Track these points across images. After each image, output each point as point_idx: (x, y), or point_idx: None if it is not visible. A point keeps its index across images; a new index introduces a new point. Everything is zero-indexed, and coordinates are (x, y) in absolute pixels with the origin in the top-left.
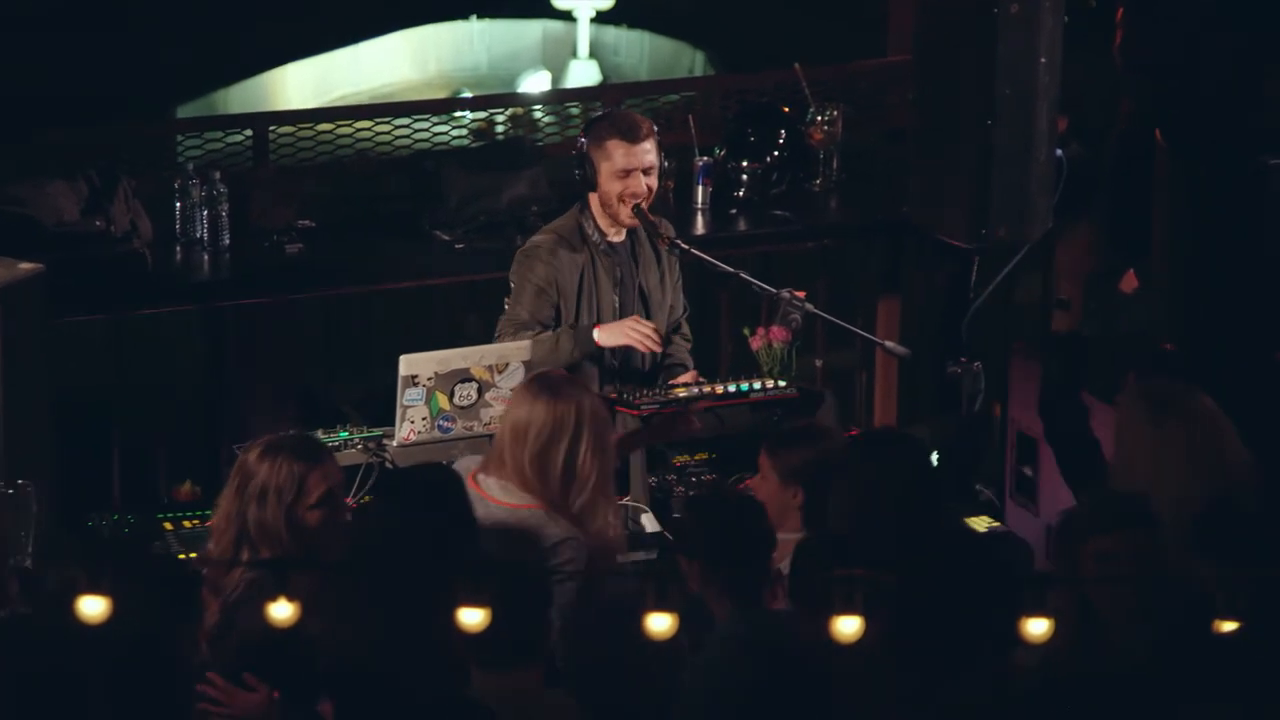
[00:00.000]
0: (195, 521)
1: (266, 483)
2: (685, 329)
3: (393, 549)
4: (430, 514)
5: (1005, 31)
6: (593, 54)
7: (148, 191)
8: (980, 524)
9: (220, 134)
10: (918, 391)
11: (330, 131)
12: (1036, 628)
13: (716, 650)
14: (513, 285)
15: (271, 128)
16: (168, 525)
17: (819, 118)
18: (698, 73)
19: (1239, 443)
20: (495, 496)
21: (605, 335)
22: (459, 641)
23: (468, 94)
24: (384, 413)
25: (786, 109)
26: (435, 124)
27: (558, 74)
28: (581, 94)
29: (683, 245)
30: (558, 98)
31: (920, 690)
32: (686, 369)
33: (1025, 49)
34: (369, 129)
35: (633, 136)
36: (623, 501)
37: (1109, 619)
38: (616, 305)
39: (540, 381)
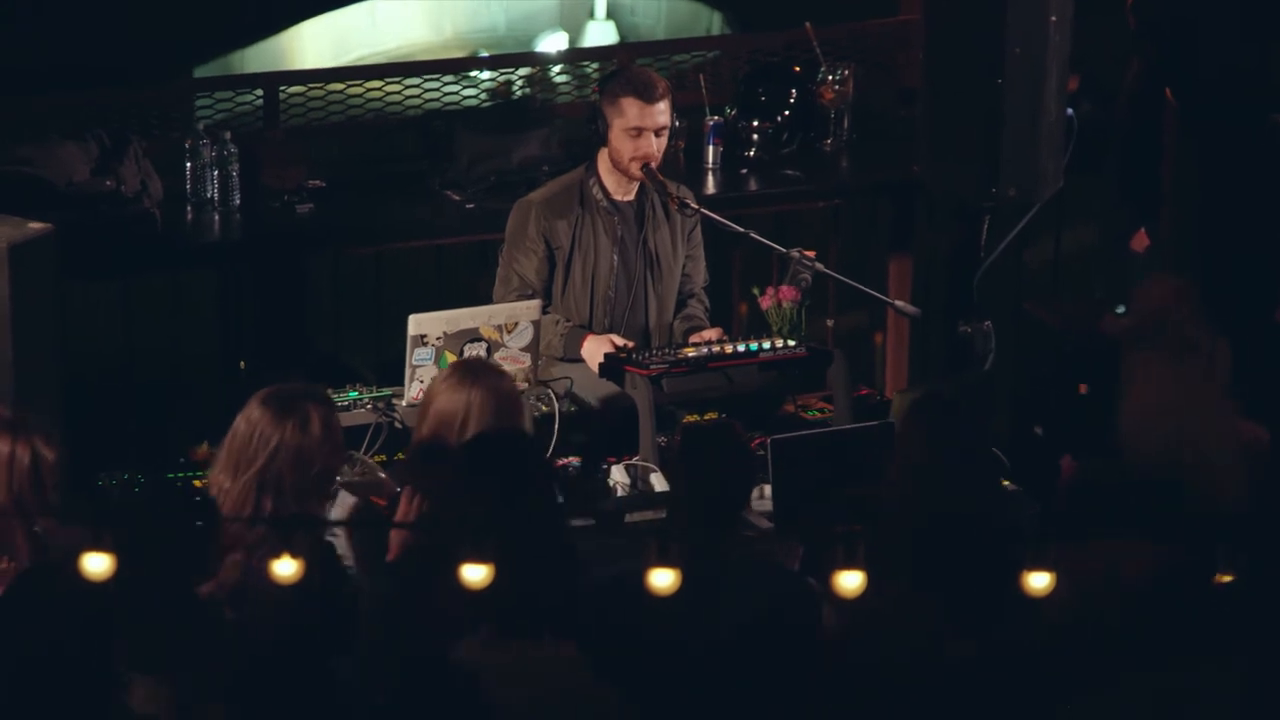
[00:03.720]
0: (205, 481)
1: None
2: (703, 297)
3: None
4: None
5: None
6: (610, 15)
7: (158, 152)
8: None
9: (231, 94)
10: (928, 351)
11: (341, 92)
12: (1038, 581)
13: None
14: (506, 238)
15: (282, 88)
16: (198, 483)
17: (830, 77)
18: (715, 33)
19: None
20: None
21: (590, 347)
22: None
23: (485, 55)
24: (390, 372)
25: (797, 68)
26: (446, 84)
27: (575, 35)
28: (595, 54)
29: (692, 205)
30: (572, 57)
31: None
32: (703, 328)
33: (1036, 7)
34: (379, 89)
35: (648, 96)
36: (632, 461)
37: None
38: (615, 264)
39: (462, 369)
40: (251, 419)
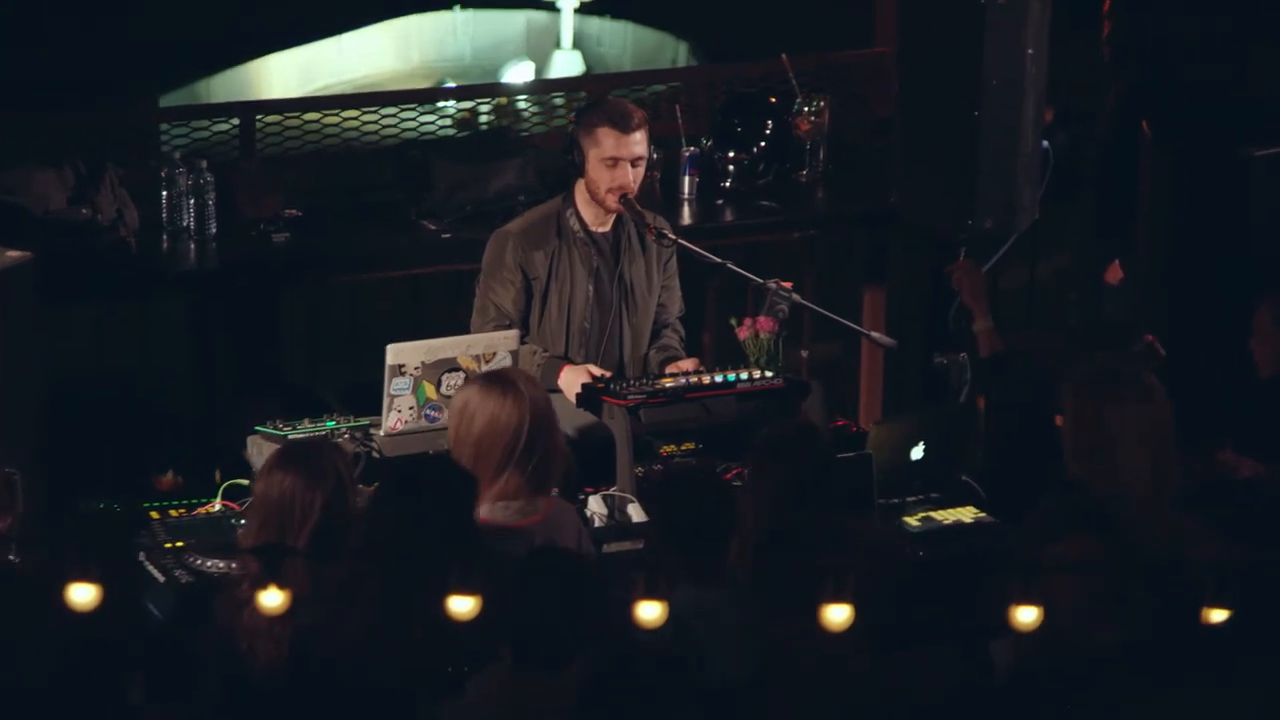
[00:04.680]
0: (181, 510)
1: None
2: (678, 327)
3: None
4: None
5: (992, 22)
6: (576, 44)
7: (134, 180)
8: (967, 515)
9: (207, 123)
10: (903, 383)
11: (317, 121)
12: (1025, 616)
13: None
14: (483, 268)
15: (258, 117)
16: (154, 514)
17: (805, 108)
18: (681, 63)
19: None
20: (505, 520)
21: (568, 378)
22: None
23: (452, 84)
24: (366, 402)
25: (773, 99)
26: (423, 114)
27: (541, 64)
28: (568, 84)
29: (670, 236)
30: (544, 88)
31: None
32: (679, 359)
33: (1013, 39)
34: (355, 118)
35: (624, 126)
36: (609, 492)
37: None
38: (591, 295)
39: (490, 380)
40: (283, 485)
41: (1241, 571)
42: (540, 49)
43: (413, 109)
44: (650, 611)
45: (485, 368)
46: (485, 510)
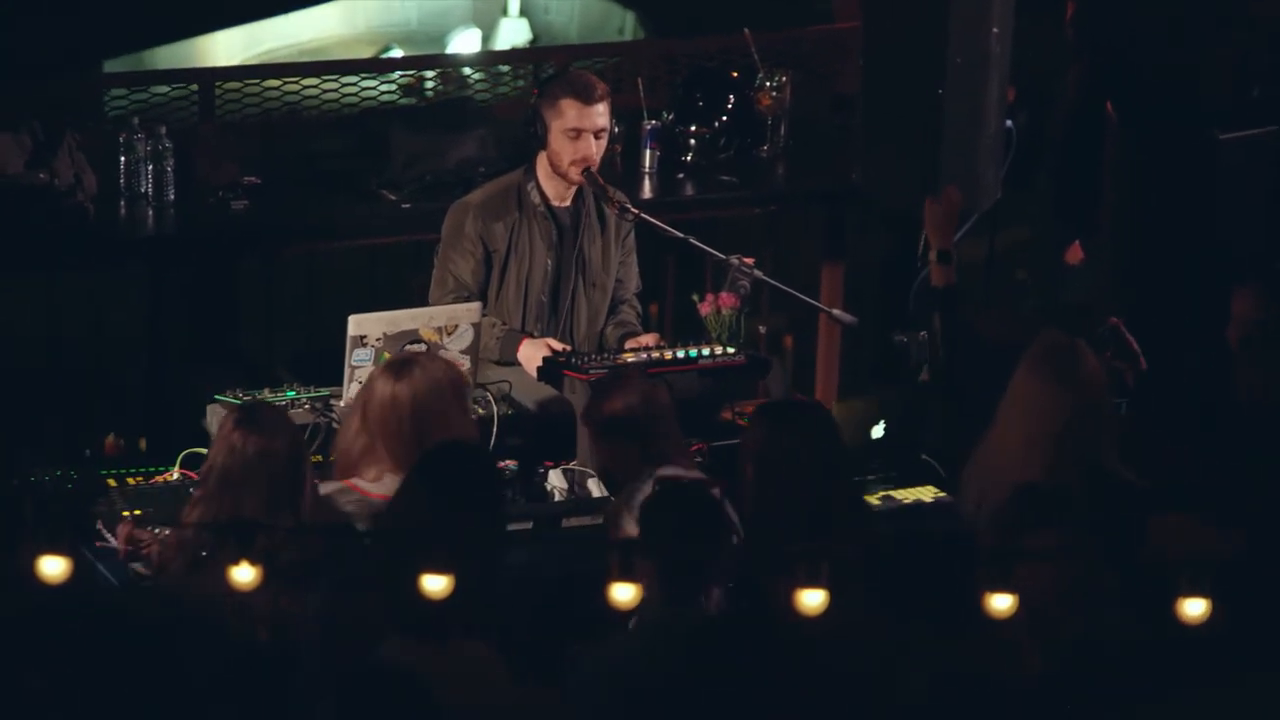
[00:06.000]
0: (139, 478)
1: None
2: (635, 303)
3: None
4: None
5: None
6: (523, 12)
7: (92, 146)
8: (926, 494)
9: (166, 89)
10: (859, 360)
11: (277, 88)
12: (1000, 603)
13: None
14: (442, 239)
15: (217, 83)
16: (111, 482)
17: (768, 83)
18: (628, 33)
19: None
20: (375, 492)
21: (527, 351)
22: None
23: (397, 50)
24: (323, 372)
25: (735, 74)
26: (383, 83)
27: (488, 31)
28: (536, 54)
29: (634, 211)
30: (501, 58)
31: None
32: (637, 334)
33: (978, 18)
34: (316, 86)
35: (586, 97)
36: (570, 466)
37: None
38: (549, 269)
39: (392, 364)
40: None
41: (1220, 565)
42: (487, 16)
43: (374, 77)
44: (624, 594)
45: (447, 340)
46: (358, 478)
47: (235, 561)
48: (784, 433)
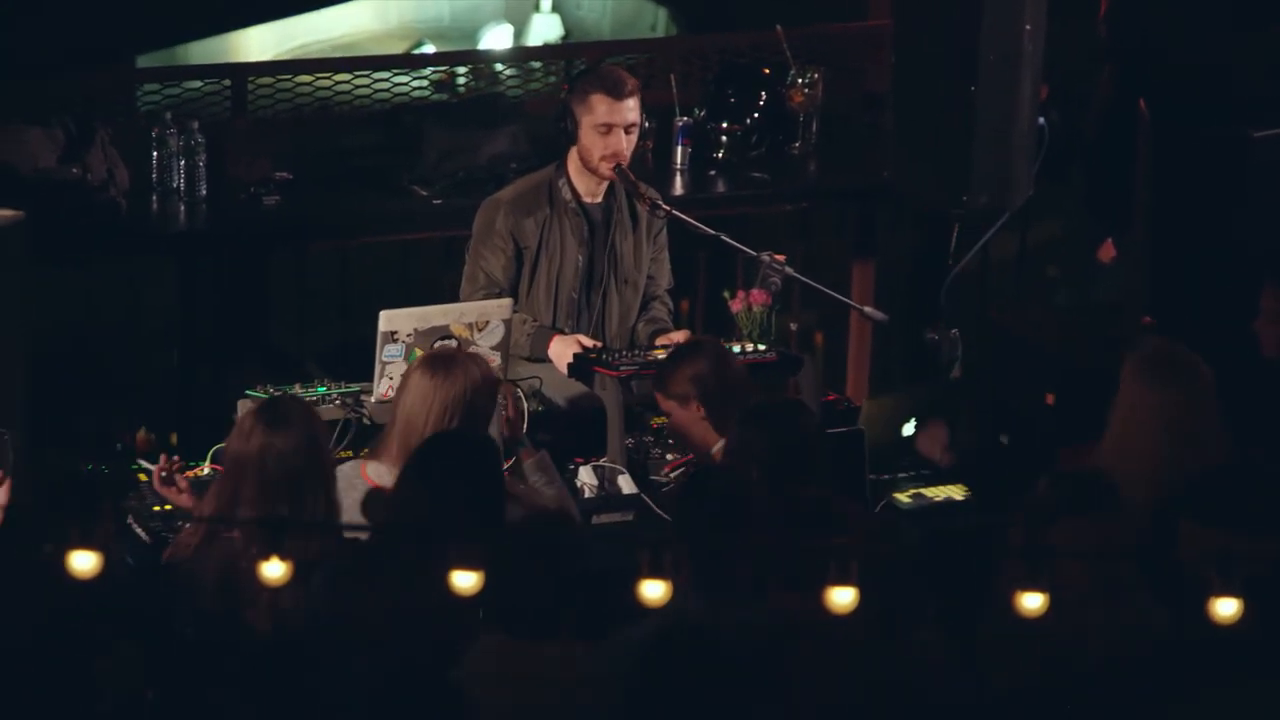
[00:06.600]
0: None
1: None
2: (666, 300)
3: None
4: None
5: None
6: (555, 7)
7: (124, 141)
8: (957, 492)
9: (198, 84)
10: (891, 357)
11: (309, 83)
12: (1031, 602)
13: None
14: (473, 235)
15: (250, 78)
16: (142, 476)
17: (799, 80)
18: (660, 29)
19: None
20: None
21: (558, 347)
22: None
23: (429, 45)
24: (354, 368)
25: (767, 70)
26: (415, 78)
27: (520, 27)
28: (568, 50)
29: (665, 207)
30: (533, 54)
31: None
32: (668, 331)
33: (1011, 15)
34: (348, 82)
35: (617, 92)
36: (599, 463)
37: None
38: (580, 265)
39: (430, 361)
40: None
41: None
42: (519, 11)
43: (407, 73)
44: (654, 590)
45: (478, 336)
46: (373, 469)
47: (266, 557)
48: (756, 433)
